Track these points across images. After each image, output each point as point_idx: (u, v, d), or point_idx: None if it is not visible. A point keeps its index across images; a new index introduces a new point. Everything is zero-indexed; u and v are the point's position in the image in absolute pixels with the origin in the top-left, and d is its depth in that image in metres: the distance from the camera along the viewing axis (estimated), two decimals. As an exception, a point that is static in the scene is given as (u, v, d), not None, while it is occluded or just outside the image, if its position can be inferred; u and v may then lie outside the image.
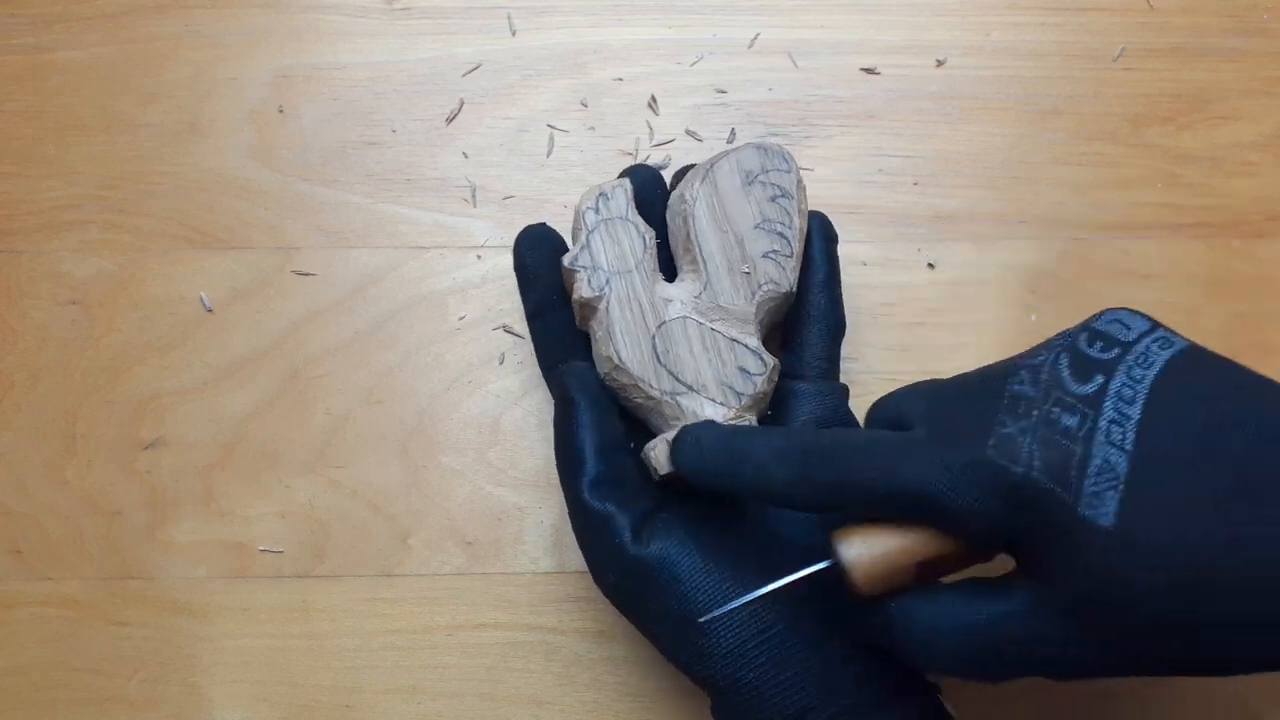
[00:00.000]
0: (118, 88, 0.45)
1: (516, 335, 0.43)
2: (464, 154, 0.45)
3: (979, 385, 0.30)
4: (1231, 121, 0.45)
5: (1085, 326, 0.30)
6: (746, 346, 0.36)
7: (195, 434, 0.42)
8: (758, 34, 0.46)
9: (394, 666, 0.41)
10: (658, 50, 0.45)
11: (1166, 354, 0.29)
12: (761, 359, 0.36)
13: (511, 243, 0.44)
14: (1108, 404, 0.28)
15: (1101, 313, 0.30)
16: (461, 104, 0.45)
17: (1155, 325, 0.30)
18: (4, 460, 0.42)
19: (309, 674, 0.41)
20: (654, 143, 0.45)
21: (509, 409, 0.42)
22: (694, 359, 0.35)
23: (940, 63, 0.45)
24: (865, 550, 0.29)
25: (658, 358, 0.35)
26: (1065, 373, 0.29)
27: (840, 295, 0.38)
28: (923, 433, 0.30)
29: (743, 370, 0.35)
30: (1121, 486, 0.27)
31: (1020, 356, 0.31)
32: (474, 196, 0.44)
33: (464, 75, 0.45)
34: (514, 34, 0.46)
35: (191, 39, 0.45)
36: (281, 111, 0.45)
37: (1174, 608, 0.26)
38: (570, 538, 0.41)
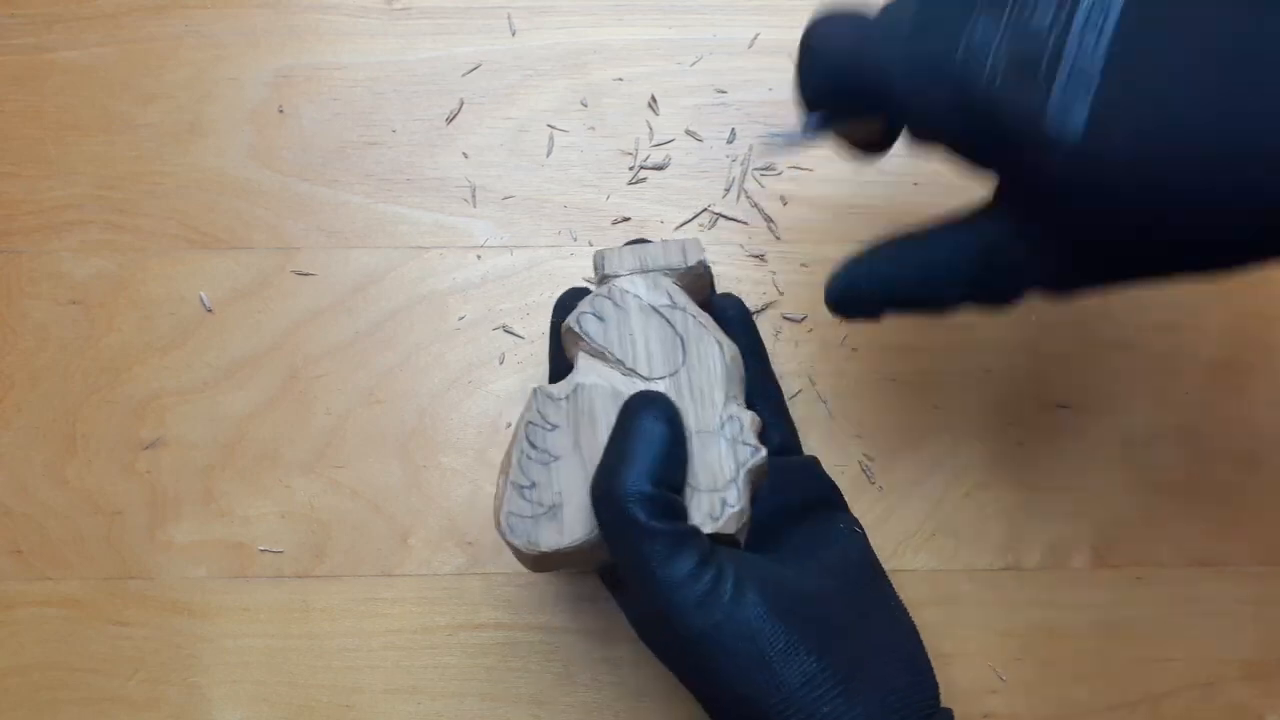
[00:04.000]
0: (118, 88, 0.45)
1: (516, 335, 0.43)
2: (464, 154, 0.45)
3: None
4: (1232, 121, 0.45)
5: None
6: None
7: (195, 434, 0.42)
8: (758, 34, 0.46)
9: (394, 666, 0.41)
10: (658, 50, 0.45)
11: None
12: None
13: (512, 243, 0.44)
14: (1084, 1, 0.25)
15: None
16: (461, 104, 0.45)
17: None
18: (4, 460, 0.42)
19: (309, 674, 0.41)
20: (654, 143, 0.45)
21: (509, 409, 0.42)
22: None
23: (940, 63, 0.45)
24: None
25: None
26: None
27: (768, 362, 0.39)
28: (910, 12, 0.28)
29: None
30: (1092, 91, 0.25)
31: None
32: (474, 196, 0.44)
33: (464, 75, 0.45)
34: (514, 34, 0.46)
35: (191, 39, 0.45)
36: (281, 111, 0.45)
37: (1139, 217, 0.25)
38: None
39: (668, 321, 0.34)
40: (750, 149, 0.44)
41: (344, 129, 0.45)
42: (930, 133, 0.28)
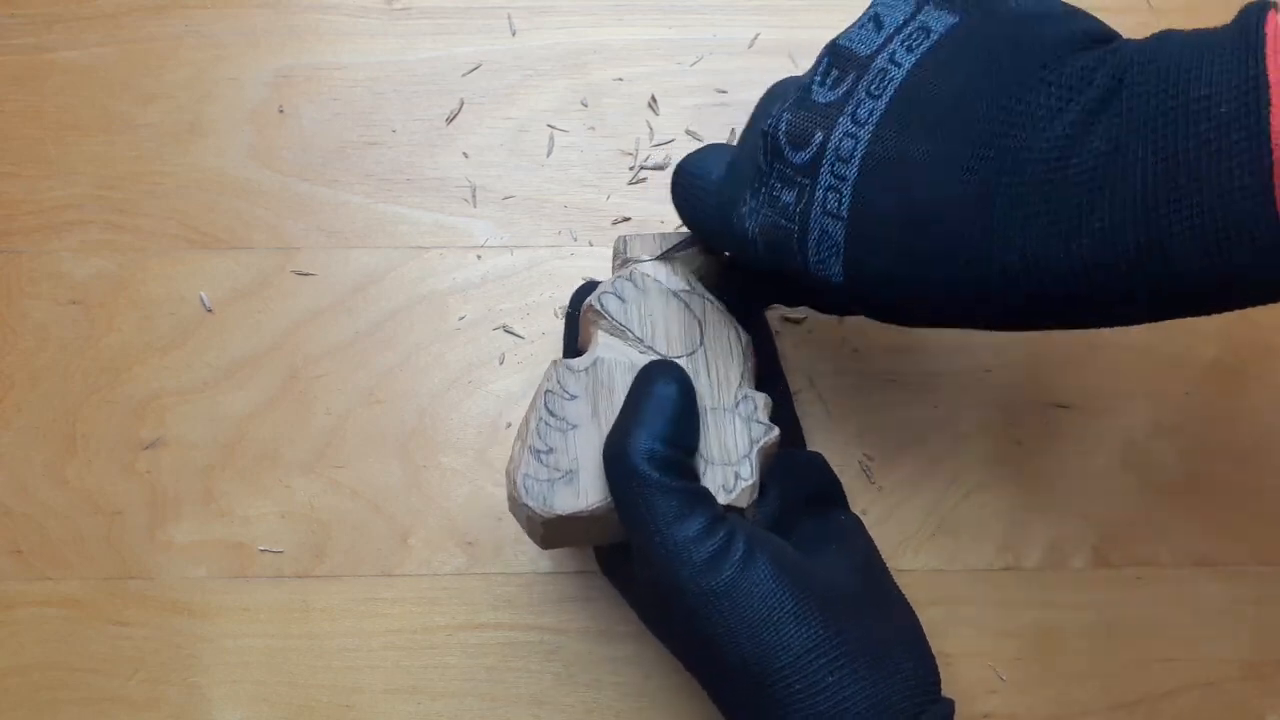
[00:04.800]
0: (118, 88, 0.45)
1: (516, 335, 0.43)
2: (464, 154, 0.45)
3: (749, 148, 0.32)
4: (1231, 121, 0.45)
5: (831, 48, 0.30)
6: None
7: (195, 434, 0.42)
8: (758, 34, 0.46)
9: (394, 666, 0.41)
10: (658, 50, 0.45)
11: (911, 60, 0.28)
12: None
13: (512, 243, 0.44)
14: (824, 169, 0.29)
15: (865, 12, 0.30)
16: (461, 104, 0.45)
17: (920, 6, 0.29)
18: (4, 460, 0.42)
19: (309, 674, 0.41)
20: (654, 143, 0.45)
21: (509, 409, 0.42)
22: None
23: (940, 63, 0.45)
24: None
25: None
26: (783, 140, 0.30)
27: (779, 363, 0.40)
28: (714, 187, 0.33)
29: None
30: (842, 252, 0.29)
31: (771, 103, 0.31)
32: (474, 196, 0.44)
33: (464, 75, 0.45)
34: (514, 34, 0.46)
35: (191, 39, 0.45)
36: (281, 111, 0.45)
37: (885, 303, 0.31)
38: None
39: (686, 305, 0.36)
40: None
41: (344, 129, 0.45)
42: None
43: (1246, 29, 0.24)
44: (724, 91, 0.45)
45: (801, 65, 0.45)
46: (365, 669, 0.41)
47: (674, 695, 0.41)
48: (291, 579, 0.41)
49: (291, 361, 0.43)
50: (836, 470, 0.38)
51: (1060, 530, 0.42)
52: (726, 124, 0.45)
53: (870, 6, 0.30)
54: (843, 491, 0.38)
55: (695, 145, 0.44)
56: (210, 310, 0.43)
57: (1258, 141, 0.23)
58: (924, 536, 0.42)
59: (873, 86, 0.28)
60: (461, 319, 0.43)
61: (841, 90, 0.29)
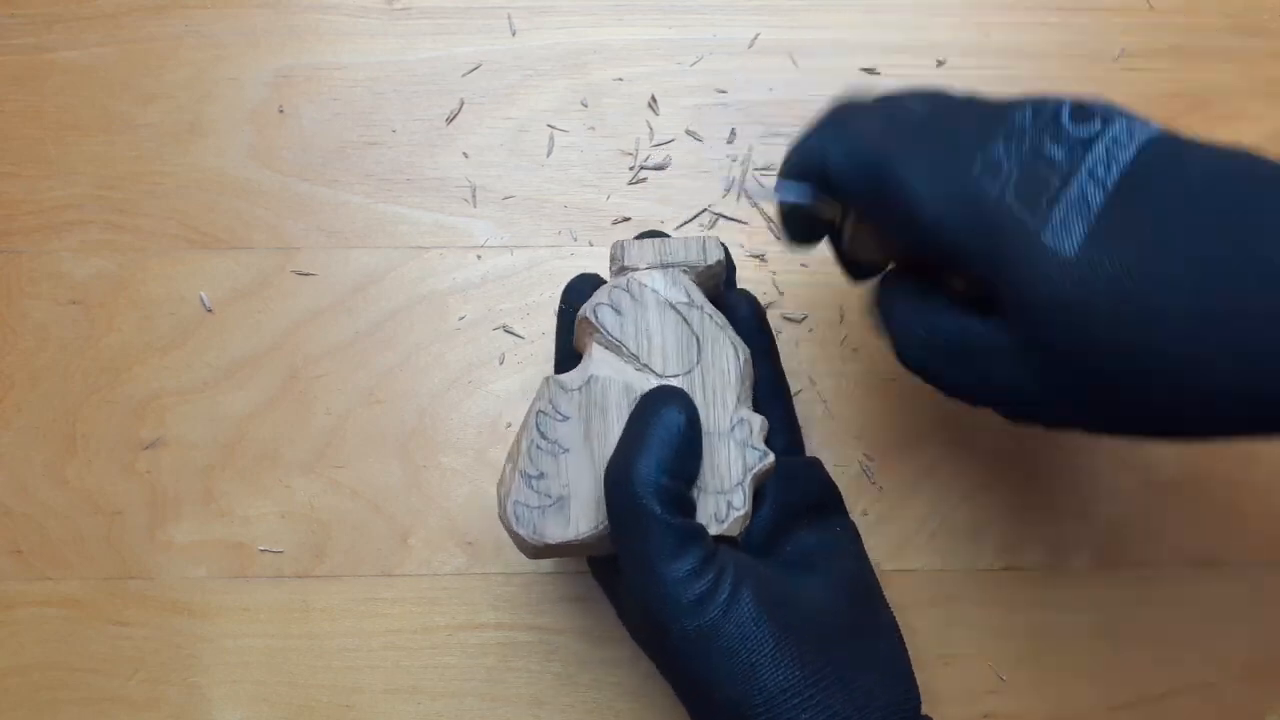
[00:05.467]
0: (118, 88, 0.45)
1: (516, 335, 0.43)
2: (464, 154, 0.45)
3: (982, 103, 0.30)
4: (1231, 121, 0.45)
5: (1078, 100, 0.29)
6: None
7: (195, 434, 0.42)
8: (758, 34, 0.46)
9: (394, 666, 0.41)
10: (658, 50, 0.45)
11: (1157, 129, 0.28)
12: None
13: (512, 243, 0.44)
14: (1099, 145, 0.27)
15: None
16: (461, 104, 0.45)
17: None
18: (4, 460, 0.42)
19: (309, 674, 0.41)
20: (654, 143, 0.45)
21: (509, 409, 0.42)
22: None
23: (940, 63, 0.45)
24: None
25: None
26: (1065, 115, 0.28)
27: (779, 362, 0.39)
28: (919, 117, 0.30)
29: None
30: (1093, 218, 0.26)
31: (1020, 98, 0.30)
32: (474, 196, 0.44)
33: (464, 75, 0.45)
34: (514, 34, 0.46)
35: (191, 39, 0.45)
36: (281, 111, 0.45)
37: (1129, 339, 0.25)
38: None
39: (684, 319, 0.34)
40: (750, 149, 0.44)
41: (344, 129, 0.45)
42: (939, 243, 0.29)
43: None
44: (724, 91, 0.45)
45: (802, 65, 0.45)
46: (365, 669, 0.41)
47: (673, 696, 0.40)
48: (291, 579, 0.41)
49: (291, 361, 0.43)
50: (837, 470, 0.38)
51: (1060, 530, 0.42)
52: (726, 124, 0.45)
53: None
54: (840, 498, 0.37)
55: (695, 145, 0.44)
56: (210, 310, 0.43)
57: None
58: (924, 536, 0.42)
59: (1144, 119, 0.28)
60: (461, 319, 0.43)
61: (1113, 110, 0.29)
